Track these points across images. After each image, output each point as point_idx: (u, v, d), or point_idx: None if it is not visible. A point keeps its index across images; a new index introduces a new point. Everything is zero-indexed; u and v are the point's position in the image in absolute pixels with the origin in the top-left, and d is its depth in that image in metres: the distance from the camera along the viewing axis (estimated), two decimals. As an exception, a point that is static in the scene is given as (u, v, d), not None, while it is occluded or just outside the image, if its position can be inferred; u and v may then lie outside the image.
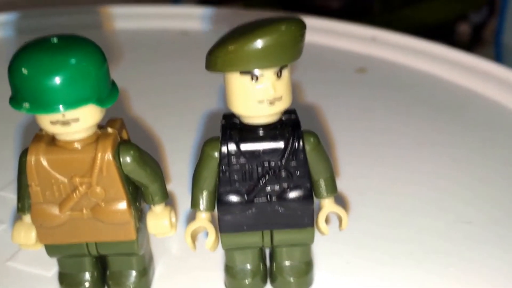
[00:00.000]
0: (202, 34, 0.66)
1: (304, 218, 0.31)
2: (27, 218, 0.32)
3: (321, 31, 0.64)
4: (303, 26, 0.29)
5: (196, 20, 0.68)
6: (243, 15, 0.67)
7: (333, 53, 0.62)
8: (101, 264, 0.34)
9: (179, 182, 0.39)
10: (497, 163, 0.44)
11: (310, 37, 0.63)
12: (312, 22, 0.65)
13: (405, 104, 0.52)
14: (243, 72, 0.29)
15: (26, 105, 0.28)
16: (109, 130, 0.31)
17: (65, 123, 0.29)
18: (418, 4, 1.19)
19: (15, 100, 0.28)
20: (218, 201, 0.31)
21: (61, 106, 0.28)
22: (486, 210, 0.39)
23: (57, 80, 0.27)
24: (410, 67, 0.59)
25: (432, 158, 0.44)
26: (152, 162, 0.32)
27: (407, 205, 0.39)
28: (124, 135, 0.33)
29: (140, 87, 0.53)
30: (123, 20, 0.68)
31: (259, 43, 0.28)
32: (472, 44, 1.26)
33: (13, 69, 0.28)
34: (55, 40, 0.28)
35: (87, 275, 0.34)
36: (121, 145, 0.31)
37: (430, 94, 0.54)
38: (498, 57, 1.22)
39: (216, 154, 0.31)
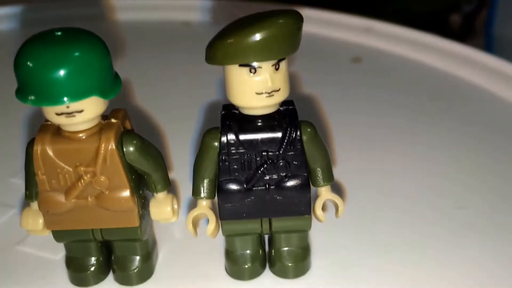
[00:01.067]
0: (204, 25, 0.65)
1: (301, 206, 0.31)
2: (34, 205, 0.32)
3: (317, 22, 0.63)
4: (300, 19, 0.29)
5: (197, 12, 0.67)
6: (243, 7, 0.67)
7: (329, 43, 0.61)
8: (106, 248, 0.34)
9: (180, 170, 0.38)
10: (490, 149, 0.44)
11: (306, 28, 0.62)
12: (308, 13, 0.64)
13: (399, 93, 0.52)
14: (242, 65, 0.29)
15: (32, 97, 0.28)
16: (113, 120, 0.31)
17: (70, 114, 0.28)
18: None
19: (21, 93, 0.28)
20: (218, 189, 0.31)
21: (65, 98, 0.28)
22: (482, 196, 0.39)
23: (61, 73, 0.27)
24: (404, 57, 0.58)
25: (427, 145, 0.44)
26: (154, 151, 0.32)
27: (404, 192, 0.39)
28: (127, 125, 0.32)
29: (143, 78, 0.52)
30: (126, 11, 0.68)
31: (257, 37, 0.28)
32: (463, 33, 1.26)
33: (18, 63, 0.27)
34: (59, 33, 0.28)
35: (93, 259, 0.34)
36: (124, 135, 0.31)
37: (423, 82, 0.54)
38: (488, 47, 1.21)
39: (216, 144, 0.31)
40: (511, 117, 0.48)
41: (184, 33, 0.64)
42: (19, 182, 0.40)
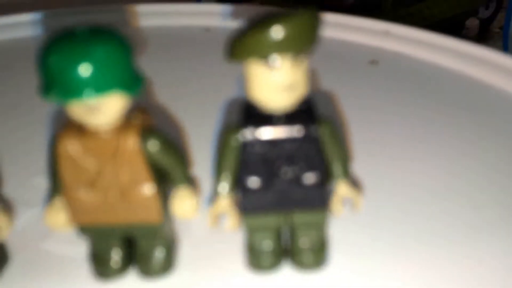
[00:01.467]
0: (223, 30, 0.66)
1: (319, 200, 0.32)
2: (58, 200, 0.32)
3: (335, 26, 0.63)
4: (316, 16, 0.29)
5: (217, 17, 0.68)
6: (262, 12, 0.67)
7: (347, 46, 0.61)
8: (129, 243, 0.34)
9: (201, 167, 0.38)
10: (507, 150, 0.43)
11: (324, 31, 0.62)
12: (326, 17, 0.64)
13: (415, 95, 0.52)
14: (262, 59, 0.29)
15: (57, 93, 0.28)
16: (135, 117, 0.31)
17: (93, 110, 0.29)
18: (427, 0, 1.18)
19: (46, 89, 0.28)
20: (239, 185, 0.31)
21: (89, 93, 0.28)
22: (495, 196, 0.39)
23: (85, 67, 0.27)
24: (421, 60, 0.58)
25: (443, 146, 0.44)
26: (175, 148, 0.32)
27: (419, 189, 0.39)
28: (149, 122, 0.32)
29: (165, 79, 0.52)
30: (147, 17, 0.68)
31: (275, 30, 0.28)
32: (480, 37, 1.25)
33: (43, 60, 0.28)
34: (82, 30, 0.28)
35: (116, 254, 0.34)
36: (146, 132, 0.31)
37: (440, 85, 0.54)
38: (505, 48, 1.20)
39: (236, 141, 0.31)
40: None
41: (205, 37, 0.64)
42: (42, 182, 0.41)
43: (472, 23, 1.23)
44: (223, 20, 0.67)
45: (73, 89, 0.28)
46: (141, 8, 0.69)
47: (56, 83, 0.28)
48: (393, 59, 0.58)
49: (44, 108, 0.46)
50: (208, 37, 0.65)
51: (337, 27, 0.63)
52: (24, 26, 0.67)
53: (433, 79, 0.55)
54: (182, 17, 0.69)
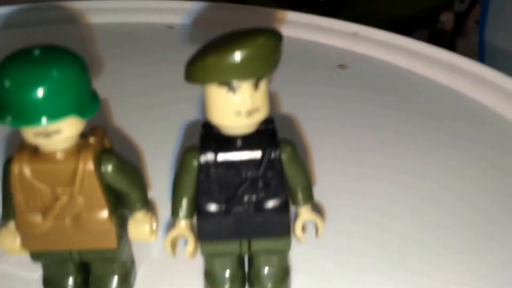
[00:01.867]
0: (187, 28, 0.64)
1: (281, 226, 0.31)
2: (11, 224, 0.31)
3: (303, 26, 0.62)
4: (279, 39, 0.28)
5: (181, 14, 0.66)
6: (225, 9, 0.66)
7: (315, 48, 0.60)
8: (84, 268, 0.33)
9: (159, 189, 0.38)
10: (478, 164, 0.43)
11: (292, 31, 0.61)
12: (294, 16, 0.64)
13: (384, 101, 0.51)
14: (222, 84, 0.28)
15: (9, 118, 0.27)
16: (91, 140, 0.30)
17: (48, 134, 0.28)
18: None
19: None
20: (197, 210, 0.31)
21: (43, 119, 0.27)
22: (464, 215, 0.39)
23: (39, 93, 0.26)
24: (390, 64, 0.58)
25: (409, 158, 0.44)
26: (133, 170, 0.32)
27: (384, 210, 0.39)
28: (106, 144, 0.32)
29: (121, 90, 0.50)
30: (104, 14, 0.67)
31: (237, 56, 0.27)
32: (454, 32, 1.25)
33: None
34: (36, 52, 0.27)
35: (71, 280, 0.33)
36: (102, 155, 0.30)
37: (409, 91, 0.53)
38: (480, 47, 1.21)
39: (195, 163, 0.30)
40: (500, 131, 0.47)
41: (168, 35, 0.63)
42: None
43: (447, 17, 1.23)
44: (187, 18, 0.66)
45: (27, 115, 0.27)
46: (100, 3, 0.67)
47: (9, 107, 0.27)
48: (362, 63, 0.58)
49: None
50: (171, 35, 0.63)
51: (305, 27, 0.62)
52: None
53: (403, 84, 0.54)
54: (143, 14, 0.67)
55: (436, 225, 0.38)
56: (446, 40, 1.26)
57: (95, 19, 0.66)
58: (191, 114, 0.47)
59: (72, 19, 0.65)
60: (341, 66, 0.57)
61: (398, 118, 0.49)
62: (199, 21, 0.65)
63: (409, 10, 1.18)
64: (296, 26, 0.62)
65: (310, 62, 0.58)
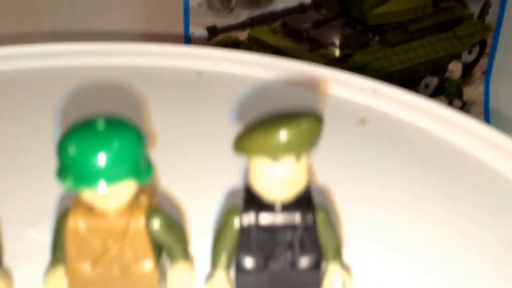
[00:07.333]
0: (216, 74, 0.68)
1: (313, 283, 0.35)
2: (60, 270, 0.35)
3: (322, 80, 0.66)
4: (320, 122, 0.32)
5: (209, 61, 0.70)
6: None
7: (335, 103, 0.64)
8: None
9: (199, 245, 0.40)
10: (487, 223, 0.46)
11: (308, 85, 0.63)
12: (313, 70, 0.68)
13: (400, 158, 0.55)
14: (267, 157, 0.32)
15: (71, 180, 0.31)
16: (142, 199, 0.34)
17: (105, 196, 0.31)
18: (413, 42, 1.23)
19: (62, 174, 0.31)
20: (236, 265, 0.34)
21: (103, 183, 0.30)
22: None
23: (101, 160, 0.30)
24: (407, 122, 0.61)
25: (422, 216, 0.47)
26: (177, 227, 0.35)
27: (407, 271, 0.42)
28: (154, 202, 0.35)
29: (169, 158, 0.52)
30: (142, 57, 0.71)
31: (283, 136, 0.31)
32: (462, 81, 1.30)
33: (61, 146, 0.30)
34: (100, 123, 0.31)
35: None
36: (151, 213, 0.34)
37: (425, 150, 0.57)
38: (486, 96, 1.26)
39: (237, 223, 0.34)
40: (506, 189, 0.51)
41: (197, 81, 0.67)
42: (37, 236, 0.43)
43: (455, 66, 1.29)
44: (215, 64, 0.70)
45: (88, 178, 0.30)
46: (134, 47, 0.71)
47: (72, 170, 0.30)
48: (381, 119, 0.62)
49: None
50: (200, 81, 0.67)
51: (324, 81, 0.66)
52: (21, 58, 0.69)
53: (419, 143, 0.58)
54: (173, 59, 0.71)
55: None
56: (454, 87, 1.31)
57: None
58: (234, 181, 0.50)
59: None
60: (362, 121, 0.61)
61: (412, 174, 0.52)
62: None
63: (421, 58, 1.23)
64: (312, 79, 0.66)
65: (331, 115, 0.61)
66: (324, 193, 0.50)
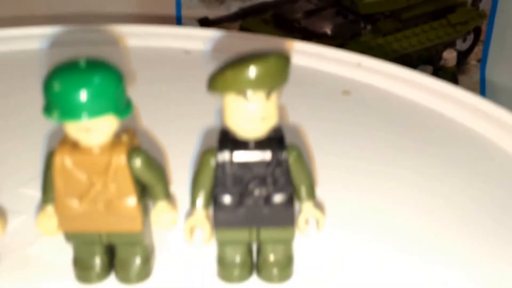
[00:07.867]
0: (203, 53, 0.71)
1: (286, 218, 0.37)
2: (49, 208, 0.37)
3: (310, 55, 0.69)
4: (288, 61, 0.34)
5: (197, 41, 0.73)
6: (239, 38, 0.73)
7: (320, 76, 0.67)
8: (110, 251, 0.39)
9: (179, 186, 0.43)
10: (471, 188, 0.48)
11: (299, 60, 0.68)
12: (301, 46, 0.71)
13: (384, 127, 0.57)
14: (238, 94, 0.34)
15: (56, 114, 0.33)
16: (123, 138, 0.36)
17: (88, 130, 0.34)
18: (406, 30, 1.25)
19: (48, 110, 0.34)
20: (213, 201, 0.37)
21: (86, 115, 0.33)
22: (458, 225, 0.44)
23: (83, 94, 0.33)
24: (391, 92, 0.64)
25: (406, 182, 0.49)
26: (157, 166, 0.38)
27: (380, 209, 0.45)
28: (135, 143, 0.38)
29: (150, 103, 0.57)
30: (134, 38, 0.74)
31: (252, 71, 0.33)
32: (457, 69, 1.32)
33: (47, 84, 0.33)
34: (82, 62, 0.34)
35: (98, 260, 0.38)
36: (132, 151, 0.36)
37: (408, 117, 0.59)
38: (482, 84, 1.28)
39: (213, 162, 0.36)
40: (498, 161, 0.52)
41: (185, 59, 0.70)
42: (28, 191, 0.46)
43: (450, 54, 1.30)
44: (203, 44, 0.73)
45: (72, 111, 0.33)
46: (128, 29, 0.75)
47: (57, 105, 0.33)
48: (364, 91, 0.64)
49: (41, 126, 0.51)
50: (188, 60, 0.70)
51: (311, 56, 0.69)
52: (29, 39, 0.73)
53: (402, 112, 0.60)
54: (164, 39, 0.74)
55: (434, 228, 0.43)
56: (449, 76, 1.33)
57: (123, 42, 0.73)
58: (210, 123, 0.53)
59: (98, 42, 0.72)
60: (345, 93, 0.63)
61: (394, 138, 0.55)
62: (214, 48, 0.72)
63: (414, 46, 1.25)
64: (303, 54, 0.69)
65: (316, 87, 0.64)
66: (300, 136, 0.53)
